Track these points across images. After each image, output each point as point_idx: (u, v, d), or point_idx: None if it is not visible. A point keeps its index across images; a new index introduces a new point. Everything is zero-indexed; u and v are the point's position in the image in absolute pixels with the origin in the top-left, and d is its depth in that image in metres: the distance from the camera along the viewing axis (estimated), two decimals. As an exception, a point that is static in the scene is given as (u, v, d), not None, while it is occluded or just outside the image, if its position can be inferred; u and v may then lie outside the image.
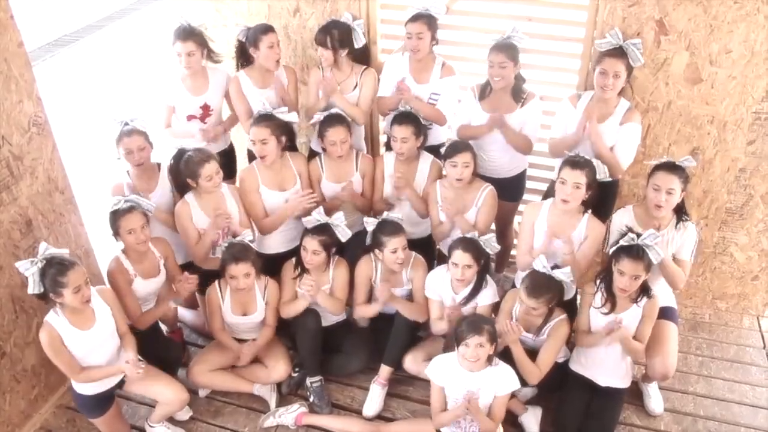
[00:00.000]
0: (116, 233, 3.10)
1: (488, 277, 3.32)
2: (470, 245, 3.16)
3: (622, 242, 2.91)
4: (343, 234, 3.32)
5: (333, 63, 3.64)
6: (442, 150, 3.55)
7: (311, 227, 3.30)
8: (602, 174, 3.12)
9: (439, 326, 3.35)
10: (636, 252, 2.86)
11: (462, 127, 3.61)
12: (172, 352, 3.50)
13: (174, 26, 3.60)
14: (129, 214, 3.05)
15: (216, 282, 3.39)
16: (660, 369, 3.17)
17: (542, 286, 2.99)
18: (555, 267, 3.07)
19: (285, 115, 3.49)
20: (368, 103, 3.78)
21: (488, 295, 3.28)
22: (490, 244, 3.22)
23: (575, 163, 3.05)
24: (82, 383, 2.94)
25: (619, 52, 3.23)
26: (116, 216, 3.06)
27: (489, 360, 2.88)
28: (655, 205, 3.04)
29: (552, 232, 3.18)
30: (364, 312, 3.50)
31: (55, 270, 2.68)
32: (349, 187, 3.60)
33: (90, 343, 2.85)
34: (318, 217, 3.31)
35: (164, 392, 3.10)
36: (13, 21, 2.91)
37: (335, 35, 3.55)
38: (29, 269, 2.69)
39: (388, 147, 3.71)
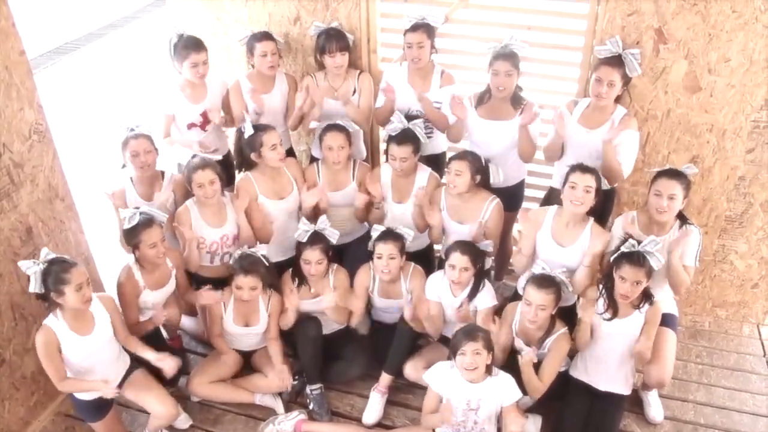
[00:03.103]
0: (135, 247, 3.08)
1: (486, 280, 3.32)
2: (467, 248, 3.17)
3: (623, 249, 2.92)
4: (332, 235, 3.34)
5: (346, 66, 3.67)
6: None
7: (306, 239, 3.29)
8: (602, 182, 3.13)
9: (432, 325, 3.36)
10: (637, 258, 2.88)
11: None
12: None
13: (177, 39, 3.60)
14: (149, 229, 3.03)
15: (220, 290, 3.37)
16: (656, 375, 3.17)
17: (547, 278, 3.02)
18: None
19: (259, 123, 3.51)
20: (369, 107, 3.79)
21: (487, 297, 3.28)
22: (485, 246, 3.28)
23: (584, 168, 3.06)
24: (65, 391, 2.95)
25: (615, 61, 3.23)
26: (136, 230, 3.02)
27: (489, 371, 2.89)
28: (657, 209, 3.05)
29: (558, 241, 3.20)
30: (361, 317, 3.51)
31: (58, 267, 2.68)
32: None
33: (88, 348, 2.85)
34: (305, 227, 3.32)
35: (154, 405, 3.07)
36: (14, 29, 2.92)
37: (342, 38, 3.61)
38: (31, 267, 2.69)
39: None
